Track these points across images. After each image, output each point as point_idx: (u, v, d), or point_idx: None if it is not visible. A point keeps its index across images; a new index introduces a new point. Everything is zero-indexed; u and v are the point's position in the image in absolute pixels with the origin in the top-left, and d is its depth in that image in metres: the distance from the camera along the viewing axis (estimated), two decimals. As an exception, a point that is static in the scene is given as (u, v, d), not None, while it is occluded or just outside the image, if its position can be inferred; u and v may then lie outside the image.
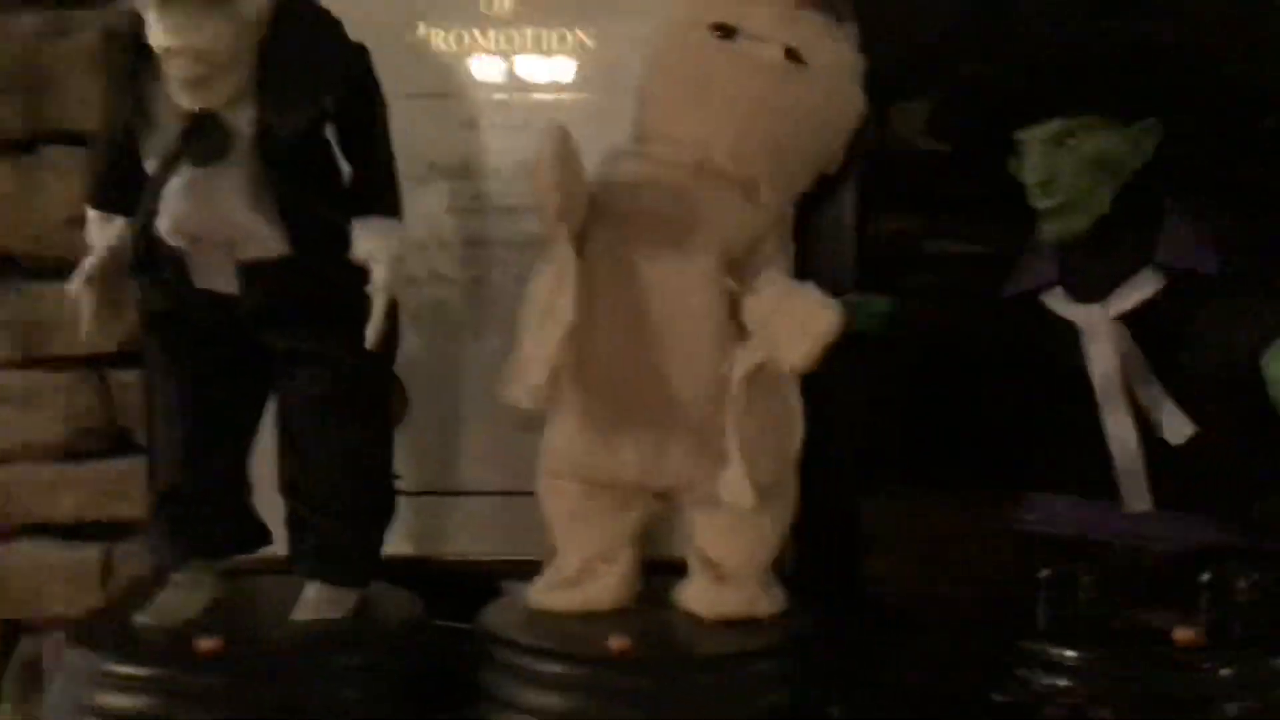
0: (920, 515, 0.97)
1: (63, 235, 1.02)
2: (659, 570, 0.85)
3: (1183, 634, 0.74)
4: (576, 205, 0.76)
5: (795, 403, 0.81)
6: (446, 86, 0.95)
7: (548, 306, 0.76)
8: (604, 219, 0.79)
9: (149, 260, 0.78)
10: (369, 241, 0.78)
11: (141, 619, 0.80)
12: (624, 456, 0.80)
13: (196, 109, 0.74)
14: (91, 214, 0.81)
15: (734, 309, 0.79)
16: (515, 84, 0.95)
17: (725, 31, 0.80)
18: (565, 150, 0.74)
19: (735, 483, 0.77)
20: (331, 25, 0.78)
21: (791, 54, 0.79)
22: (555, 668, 0.74)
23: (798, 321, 0.75)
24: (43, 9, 1.02)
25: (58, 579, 1.05)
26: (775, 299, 0.77)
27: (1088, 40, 0.81)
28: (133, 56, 0.75)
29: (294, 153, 0.76)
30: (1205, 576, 0.78)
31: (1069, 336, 0.82)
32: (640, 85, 0.84)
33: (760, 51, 0.79)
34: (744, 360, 0.77)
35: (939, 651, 0.85)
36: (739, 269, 0.80)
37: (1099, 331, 0.81)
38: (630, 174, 0.81)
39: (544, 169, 0.74)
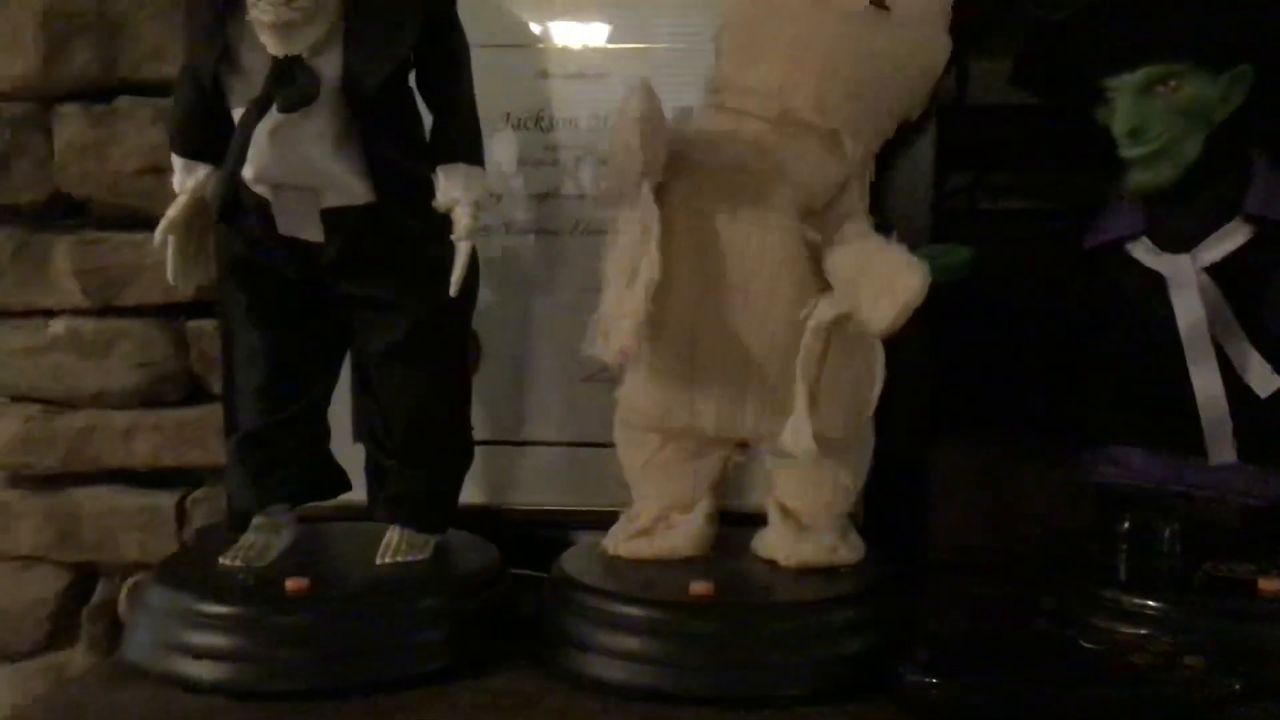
0: (993, 465, 0.96)
1: (138, 184, 1.03)
2: (736, 521, 0.85)
3: (1268, 584, 0.74)
4: (658, 162, 0.75)
5: (876, 356, 0.79)
6: (522, 37, 0.95)
7: (632, 265, 0.75)
8: (683, 172, 0.78)
9: (234, 207, 0.78)
10: (452, 189, 0.78)
11: (225, 561, 0.81)
12: (700, 408, 0.80)
13: (283, 55, 0.74)
14: (176, 161, 0.81)
15: (815, 260, 0.78)
16: (591, 34, 0.95)
17: None
18: (649, 108, 0.72)
19: (797, 430, 0.76)
20: (415, -29, 0.78)
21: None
22: (634, 611, 0.74)
23: (883, 282, 0.73)
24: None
25: (133, 525, 1.06)
26: (861, 256, 0.75)
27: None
28: (219, 2, 0.75)
29: (378, 100, 0.76)
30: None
31: (1154, 287, 0.82)
32: (717, 33, 0.82)
33: None
34: (822, 312, 0.76)
35: (1013, 601, 0.84)
36: (820, 219, 0.79)
37: (1186, 282, 0.80)
38: (709, 126, 0.80)
39: (628, 127, 0.72)
